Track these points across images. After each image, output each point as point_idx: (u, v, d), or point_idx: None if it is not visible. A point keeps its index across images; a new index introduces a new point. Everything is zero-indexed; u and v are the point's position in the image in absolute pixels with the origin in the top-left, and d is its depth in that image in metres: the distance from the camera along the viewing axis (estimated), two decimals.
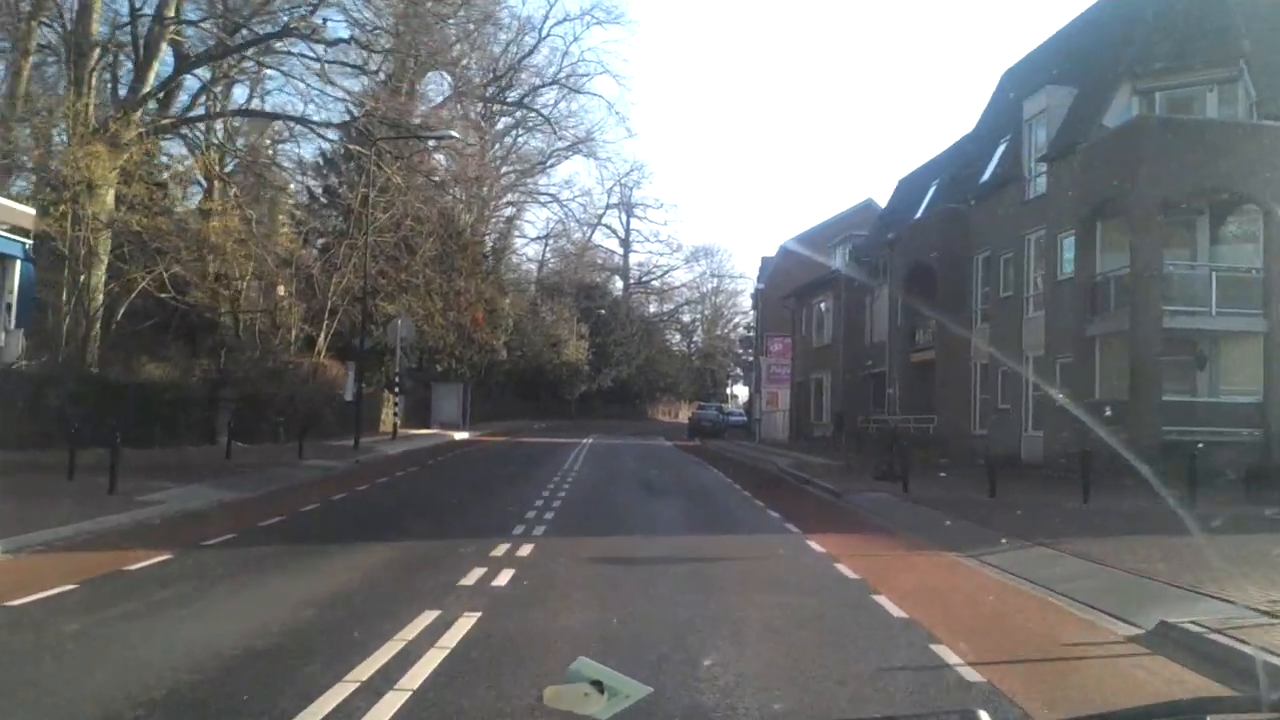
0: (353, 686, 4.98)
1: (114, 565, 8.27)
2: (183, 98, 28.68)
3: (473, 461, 24.47)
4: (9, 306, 17.25)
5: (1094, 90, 22.13)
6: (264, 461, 19.16)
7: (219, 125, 29.74)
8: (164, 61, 25.58)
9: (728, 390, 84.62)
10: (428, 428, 36.64)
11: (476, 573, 8.27)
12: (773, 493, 17.34)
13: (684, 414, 71.27)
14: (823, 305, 40.73)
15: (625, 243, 76.98)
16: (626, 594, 8.01)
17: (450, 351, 39.03)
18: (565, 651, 5.79)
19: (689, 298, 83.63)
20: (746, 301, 72.87)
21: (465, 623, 6.43)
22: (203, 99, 29.07)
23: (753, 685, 5.31)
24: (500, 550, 9.57)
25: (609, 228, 75.31)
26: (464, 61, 40.64)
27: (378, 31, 28.36)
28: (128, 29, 25.12)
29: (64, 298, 21.26)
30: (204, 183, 29.49)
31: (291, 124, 30.40)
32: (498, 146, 51.06)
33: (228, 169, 29.51)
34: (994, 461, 16.37)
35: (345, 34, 27.21)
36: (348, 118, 29.53)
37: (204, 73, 27.78)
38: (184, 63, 26.28)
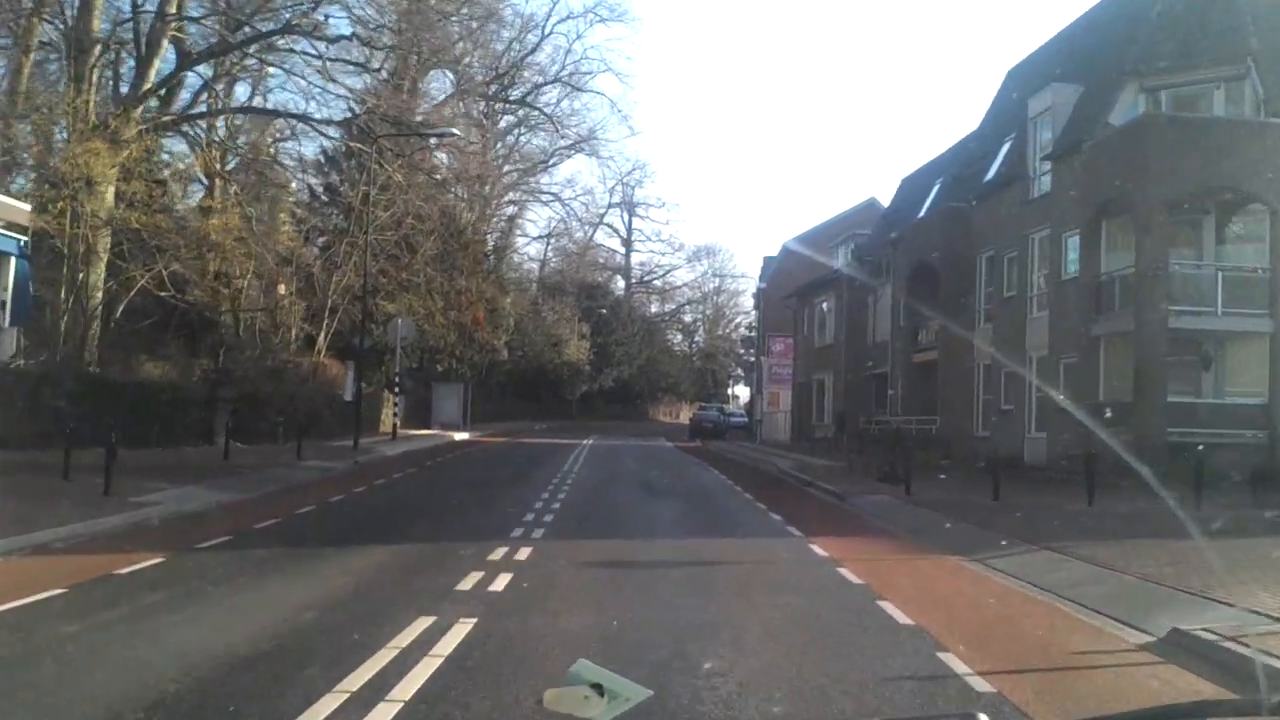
0: (343, 697, 4.83)
1: (105, 569, 8.13)
2: (184, 95, 28.72)
3: (472, 463, 24.35)
4: (3, 304, 17.14)
5: (1099, 88, 21.95)
6: (262, 462, 19.04)
7: (220, 122, 29.68)
8: (165, 58, 25.56)
9: (729, 390, 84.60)
10: (428, 428, 36.50)
11: (474, 576, 8.15)
12: (774, 495, 17.22)
13: (685, 414, 71.20)
14: (825, 305, 40.55)
15: (627, 242, 77.06)
16: (626, 598, 7.89)
17: (451, 351, 38.92)
18: (562, 658, 5.62)
19: (690, 297, 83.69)
20: (748, 301, 72.92)
21: (461, 629, 6.31)
22: (204, 96, 29.05)
23: (755, 693, 5.18)
24: (498, 553, 9.44)
25: (611, 227, 75.40)
26: (466, 59, 40.59)
27: (380, 29, 28.31)
28: (129, 25, 25.10)
29: (62, 296, 21.14)
30: (204, 180, 29.46)
31: (293, 121, 30.38)
32: (500, 145, 51.01)
33: (229, 166, 29.45)
34: (997, 463, 16.20)
35: (347, 31, 27.24)
36: (349, 115, 29.46)
37: (205, 70, 27.74)
38: (185, 60, 26.22)
